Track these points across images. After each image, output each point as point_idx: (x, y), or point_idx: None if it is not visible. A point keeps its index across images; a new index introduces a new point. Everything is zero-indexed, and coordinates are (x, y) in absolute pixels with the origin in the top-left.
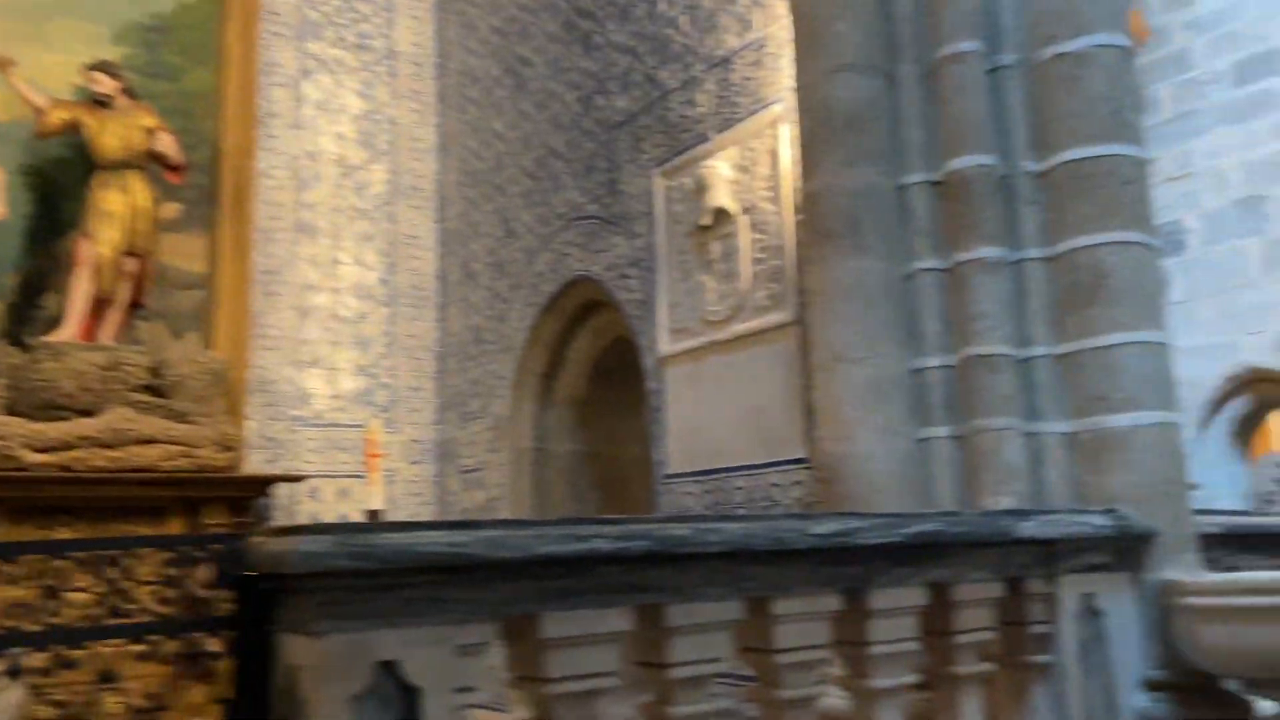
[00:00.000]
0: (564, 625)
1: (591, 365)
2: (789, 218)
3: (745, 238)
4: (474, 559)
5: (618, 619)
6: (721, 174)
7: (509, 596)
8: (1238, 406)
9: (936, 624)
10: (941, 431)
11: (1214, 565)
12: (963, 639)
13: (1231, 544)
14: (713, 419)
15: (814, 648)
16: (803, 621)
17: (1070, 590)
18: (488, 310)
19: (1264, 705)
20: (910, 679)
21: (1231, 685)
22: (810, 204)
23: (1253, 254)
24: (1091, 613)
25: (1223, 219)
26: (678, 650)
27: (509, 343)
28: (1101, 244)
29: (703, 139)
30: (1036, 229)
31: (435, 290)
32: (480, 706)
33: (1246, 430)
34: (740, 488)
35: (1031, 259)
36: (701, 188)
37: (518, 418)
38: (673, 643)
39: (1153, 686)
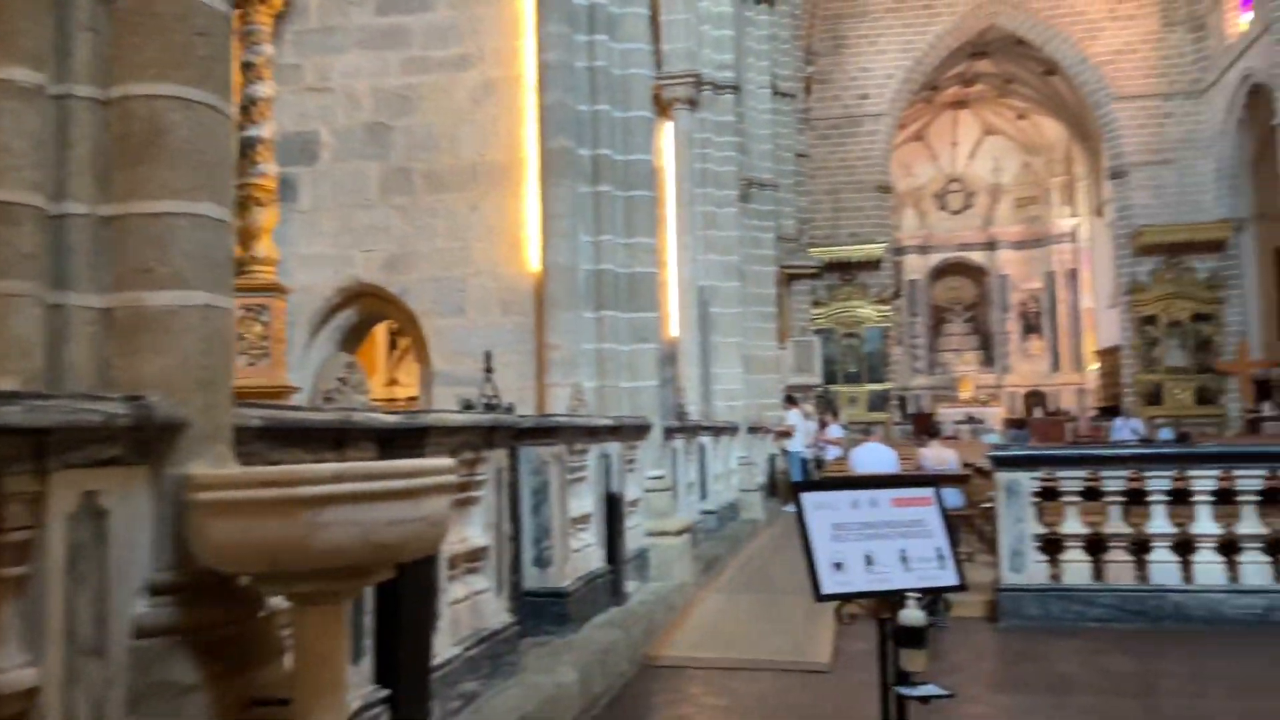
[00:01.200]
0: None
1: None
2: None
3: None
4: None
5: None
6: None
7: None
8: (348, 316)
9: None
10: None
11: (253, 460)
12: None
13: (273, 439)
14: None
15: None
16: None
17: (66, 489)
18: None
19: (274, 600)
20: None
21: (244, 582)
22: None
23: (373, 177)
24: (94, 513)
25: (352, 138)
26: None
27: None
28: (163, 96)
29: None
30: (92, 61)
31: None
32: None
33: (354, 338)
34: None
35: (81, 96)
36: None
37: None
38: None
39: (157, 590)
